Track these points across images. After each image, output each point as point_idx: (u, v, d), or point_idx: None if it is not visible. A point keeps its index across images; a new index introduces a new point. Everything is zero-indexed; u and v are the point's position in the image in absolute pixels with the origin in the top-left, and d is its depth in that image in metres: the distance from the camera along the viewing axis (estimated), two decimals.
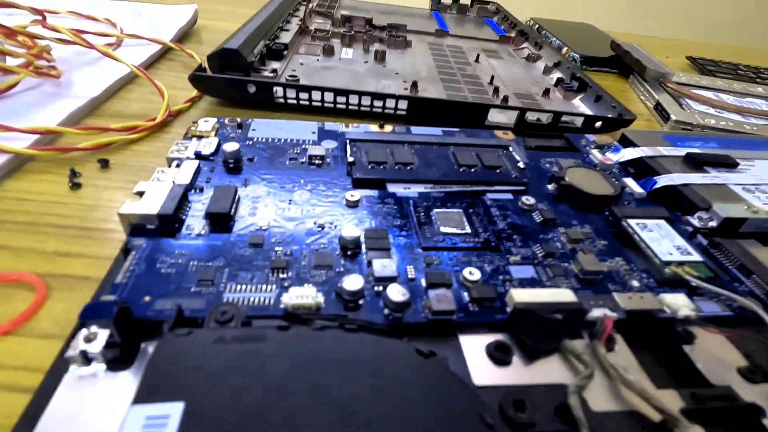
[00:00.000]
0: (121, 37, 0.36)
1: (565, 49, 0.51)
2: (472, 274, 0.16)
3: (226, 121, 0.24)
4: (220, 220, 0.17)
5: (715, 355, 0.15)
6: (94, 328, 0.13)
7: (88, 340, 0.12)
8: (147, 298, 0.14)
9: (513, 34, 0.52)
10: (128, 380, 0.12)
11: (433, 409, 0.11)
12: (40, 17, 0.32)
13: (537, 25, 0.60)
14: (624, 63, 0.47)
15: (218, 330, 0.12)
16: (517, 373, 0.14)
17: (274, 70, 0.33)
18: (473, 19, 0.62)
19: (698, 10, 1.30)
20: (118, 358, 0.12)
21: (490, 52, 0.47)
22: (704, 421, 0.13)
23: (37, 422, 0.11)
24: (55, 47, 0.31)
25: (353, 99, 0.30)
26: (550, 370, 0.14)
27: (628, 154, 0.26)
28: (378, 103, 0.30)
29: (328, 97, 0.30)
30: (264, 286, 0.15)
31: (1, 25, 0.27)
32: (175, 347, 0.12)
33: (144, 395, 0.10)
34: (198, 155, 0.21)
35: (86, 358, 0.12)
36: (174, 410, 0.10)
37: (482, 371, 0.13)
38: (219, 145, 0.22)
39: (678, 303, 0.16)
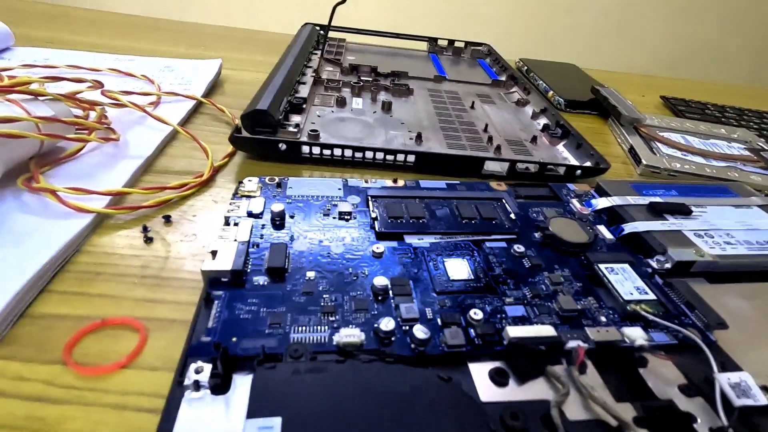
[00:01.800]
0: (160, 95, 0.41)
1: (551, 93, 0.57)
2: (477, 314, 0.20)
3: (267, 180, 0.29)
4: (277, 273, 0.22)
5: (662, 376, 0.19)
6: (199, 363, 0.17)
7: (197, 371, 0.17)
8: (234, 339, 0.18)
9: (504, 78, 0.58)
10: (226, 402, 0.17)
11: (452, 420, 0.16)
12: (99, 85, 0.36)
13: (526, 67, 0.66)
14: (603, 106, 0.53)
15: (294, 364, 0.17)
16: (512, 392, 0.18)
17: (297, 125, 0.38)
18: (467, 60, 0.68)
19: (675, 47, 1.38)
20: (219, 385, 0.17)
21: (484, 97, 0.52)
22: (651, 427, 0.17)
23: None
24: (108, 109, 0.36)
25: (368, 153, 0.35)
26: (537, 390, 0.18)
27: (601, 203, 0.31)
28: (390, 157, 0.35)
29: (347, 152, 0.34)
30: (318, 327, 0.19)
31: (67, 95, 0.32)
32: (266, 377, 0.16)
33: (253, 411, 0.15)
34: (250, 214, 0.26)
35: (197, 386, 0.17)
36: (275, 423, 0.14)
37: (486, 391, 0.18)
38: (265, 204, 0.26)
39: (635, 335, 0.21)
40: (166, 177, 0.31)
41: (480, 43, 0.71)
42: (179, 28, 0.68)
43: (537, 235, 0.27)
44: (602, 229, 0.28)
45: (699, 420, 0.18)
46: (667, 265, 0.26)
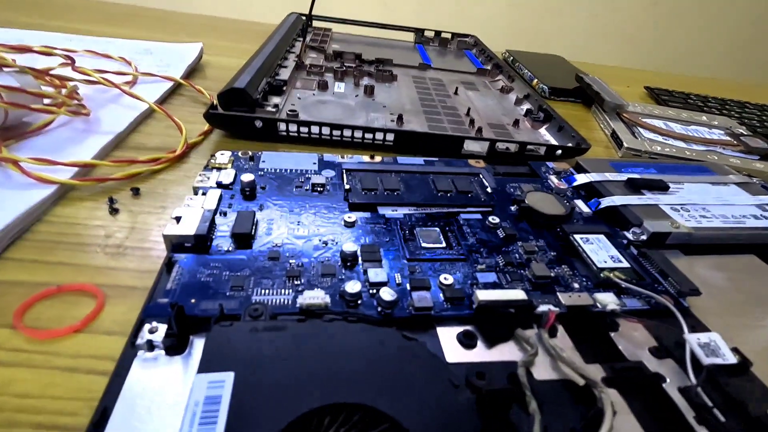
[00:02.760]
0: (136, 75, 0.40)
1: (535, 81, 0.57)
2: (447, 279, 0.20)
3: (240, 153, 0.29)
4: (243, 239, 0.21)
5: (633, 339, 0.19)
6: (154, 323, 0.16)
7: (151, 332, 0.16)
8: (193, 300, 0.17)
9: (489, 67, 0.58)
10: (182, 363, 0.16)
11: (414, 376, 0.15)
12: (70, 62, 0.36)
13: (511, 57, 0.66)
14: (587, 94, 0.53)
15: (252, 322, 0.16)
16: (480, 354, 0.18)
17: (276, 105, 0.37)
18: (453, 51, 0.68)
19: (660, 42, 1.39)
20: (174, 345, 0.16)
21: (468, 84, 0.52)
22: (619, 387, 0.17)
23: (118, 395, 0.15)
24: (81, 86, 0.35)
25: (347, 132, 0.34)
26: (505, 352, 0.18)
27: (580, 179, 0.30)
28: (368, 135, 0.34)
29: (325, 130, 0.34)
30: (282, 290, 0.19)
31: (35, 69, 0.31)
32: (222, 334, 0.15)
33: (205, 367, 0.14)
34: (219, 184, 0.25)
35: (151, 346, 0.16)
36: (227, 377, 0.14)
37: (454, 353, 0.18)
38: (236, 176, 0.26)
39: (607, 300, 0.20)
40: (140, 153, 0.30)
41: (467, 35, 0.71)
42: (162, 16, 0.67)
43: (513, 208, 0.27)
44: (580, 203, 0.28)
45: (668, 380, 0.17)
46: (643, 237, 0.25)
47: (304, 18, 0.64)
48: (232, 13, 0.77)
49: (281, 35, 0.52)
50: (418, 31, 0.70)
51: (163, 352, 0.16)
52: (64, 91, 0.33)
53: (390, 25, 0.68)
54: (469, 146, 0.35)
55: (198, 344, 0.17)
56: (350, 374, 0.15)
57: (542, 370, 0.17)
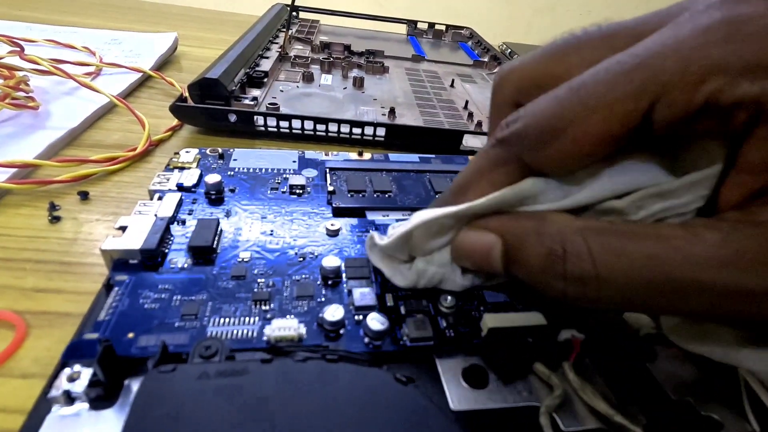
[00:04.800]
0: (100, 66, 0.36)
1: None
2: (447, 300, 0.17)
3: (208, 151, 0.25)
4: (202, 253, 0.17)
5: (676, 371, 0.16)
6: (77, 367, 0.13)
7: (72, 379, 0.13)
8: (131, 335, 0.14)
9: (486, 59, 0.55)
10: (112, 418, 0.12)
11: None
12: (18, 49, 0.32)
13: (509, 50, 0.63)
14: None
15: (202, 365, 0.13)
16: (493, 396, 0.14)
17: (255, 98, 0.34)
18: (448, 43, 0.64)
19: None
20: (101, 396, 0.13)
21: (465, 77, 0.49)
22: None
23: None
24: (33, 78, 0.31)
25: (332, 126, 0.31)
26: (525, 392, 0.15)
27: None
28: (357, 130, 0.31)
29: (308, 124, 0.30)
30: (247, 319, 0.15)
31: None
32: (159, 384, 0.12)
33: (131, 430, 0.11)
34: (180, 187, 0.21)
35: (69, 398, 0.12)
36: None
37: (460, 395, 0.14)
38: (201, 177, 0.22)
39: (641, 321, 0.17)
40: (97, 152, 0.26)
41: (461, 27, 0.67)
42: (138, 6, 0.63)
43: None
44: None
45: (725, 425, 0.14)
46: None
47: (288, 8, 0.60)
48: (213, 4, 0.73)
49: (263, 25, 0.48)
50: (411, 23, 0.66)
51: (86, 405, 0.12)
52: (11, 82, 0.29)
53: (381, 17, 0.64)
54: (469, 141, 0.32)
55: (135, 389, 0.13)
56: None
57: (570, 417, 0.14)
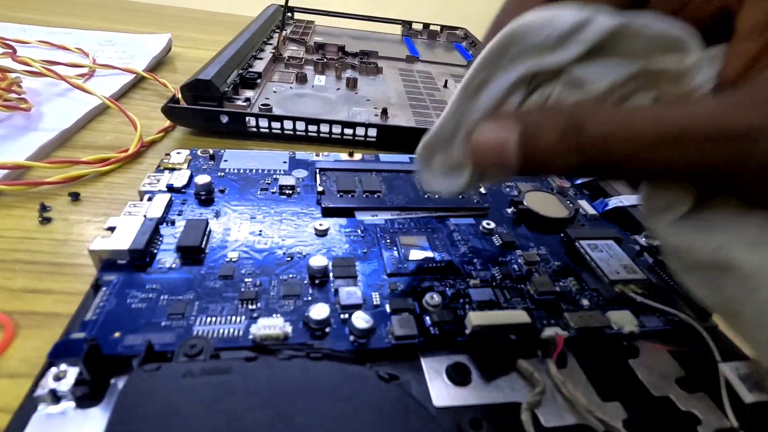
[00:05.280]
0: (93, 68, 0.36)
1: None
2: (434, 298, 0.17)
3: (199, 152, 0.25)
4: (191, 253, 0.18)
5: (657, 368, 0.16)
6: (63, 366, 0.13)
7: (58, 378, 0.13)
8: (117, 334, 0.14)
9: None
10: (98, 417, 0.13)
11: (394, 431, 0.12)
12: (10, 50, 0.32)
13: None
14: None
15: (187, 364, 0.13)
16: (475, 393, 0.14)
17: (248, 99, 0.34)
18: (443, 44, 0.64)
19: None
20: (87, 395, 0.13)
21: (459, 77, 0.49)
22: (645, 431, 0.14)
23: None
24: (26, 79, 0.31)
25: (324, 127, 0.31)
26: (507, 389, 0.15)
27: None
28: (348, 131, 0.31)
29: (300, 125, 0.31)
30: (233, 318, 0.15)
31: None
32: (143, 383, 0.12)
33: (115, 429, 0.11)
34: (170, 188, 0.21)
35: (55, 397, 0.13)
36: None
37: (442, 392, 0.14)
38: (191, 178, 0.22)
39: (623, 320, 0.17)
40: (88, 153, 0.27)
41: (456, 27, 0.68)
42: (131, 7, 0.63)
43: (510, 210, 0.24)
44: (584, 204, 0.25)
45: (702, 419, 0.14)
46: (657, 242, 0.22)
47: (282, 9, 0.60)
48: (207, 4, 0.73)
49: (257, 26, 0.48)
50: (406, 24, 0.67)
51: (72, 403, 0.13)
52: (3, 83, 0.29)
53: (376, 18, 0.64)
54: None
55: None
56: None
57: (551, 413, 0.14)
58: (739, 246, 0.11)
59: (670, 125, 0.10)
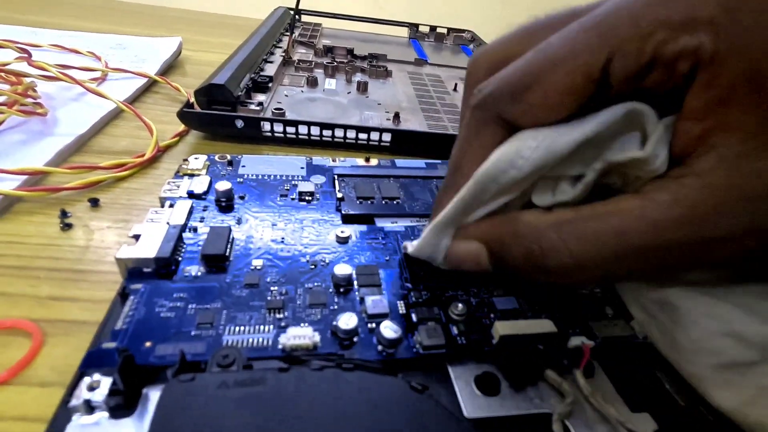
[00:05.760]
0: (106, 71, 0.36)
1: None
2: (459, 307, 0.17)
3: (216, 157, 0.25)
4: (215, 261, 0.18)
5: (683, 377, 0.16)
6: (96, 376, 0.13)
7: (91, 388, 0.13)
8: (148, 344, 0.14)
9: None
10: (131, 427, 0.13)
11: None
12: (25, 54, 0.32)
13: None
14: None
15: (221, 374, 0.13)
16: (505, 403, 0.14)
17: (260, 103, 0.34)
18: (450, 46, 0.64)
19: None
20: (121, 405, 0.13)
21: None
22: None
23: None
24: (40, 83, 0.31)
25: (339, 132, 0.31)
26: (536, 399, 0.15)
27: None
28: (363, 136, 0.31)
29: (315, 130, 0.31)
30: (262, 327, 0.15)
31: None
32: (180, 394, 0.12)
33: None
34: (190, 194, 0.21)
35: (90, 407, 0.13)
36: None
37: (473, 402, 0.14)
38: (211, 184, 0.22)
39: None
40: (105, 158, 0.27)
41: (463, 30, 0.68)
42: (139, 10, 0.63)
43: None
44: None
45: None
46: None
47: (291, 12, 0.60)
48: (215, 7, 0.73)
49: (267, 29, 0.48)
50: (413, 27, 0.67)
51: (106, 414, 0.13)
52: (19, 88, 0.29)
53: (383, 20, 0.65)
54: None
55: (154, 398, 0.13)
56: None
57: (582, 424, 0.14)
58: (682, 292, 0.13)
59: (637, 242, 0.11)
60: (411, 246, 0.17)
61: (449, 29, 0.67)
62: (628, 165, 0.12)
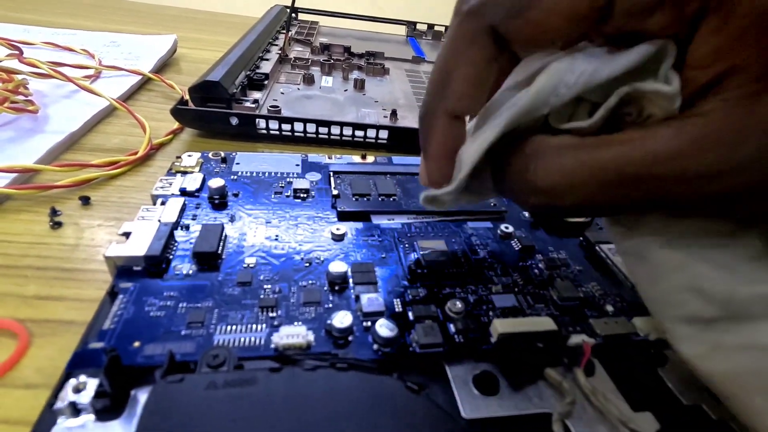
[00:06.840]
0: (99, 69, 0.36)
1: None
2: (456, 305, 0.16)
3: (210, 155, 0.25)
4: (207, 259, 0.17)
5: (687, 376, 0.16)
6: (82, 378, 0.13)
7: (77, 390, 0.12)
8: (136, 344, 0.14)
9: None
10: (118, 430, 0.12)
11: None
12: (17, 51, 0.31)
13: None
14: None
15: (210, 375, 0.12)
16: (504, 404, 0.14)
17: (256, 101, 0.34)
18: None
19: None
20: (108, 407, 0.12)
21: None
22: None
23: None
24: (32, 81, 0.31)
25: (335, 129, 0.30)
26: (535, 398, 0.14)
27: None
28: (359, 133, 0.31)
29: (311, 127, 0.30)
30: (254, 326, 0.15)
31: None
32: (167, 395, 0.12)
33: None
34: (183, 192, 0.21)
35: (75, 409, 0.12)
36: None
37: (471, 402, 0.14)
38: (204, 181, 0.22)
39: (649, 326, 0.17)
40: (97, 156, 0.26)
41: None
42: (134, 7, 0.62)
43: (527, 213, 0.23)
44: None
45: (736, 428, 0.14)
46: None
47: (288, 10, 0.60)
48: (210, 5, 0.72)
49: (263, 27, 0.48)
50: (410, 24, 0.66)
51: (92, 416, 0.12)
52: (10, 85, 0.29)
53: (380, 18, 0.64)
54: None
55: (143, 400, 0.13)
56: None
57: (582, 424, 0.14)
58: (655, 244, 0.13)
59: (633, 170, 0.11)
60: (448, 186, 0.15)
61: (446, 27, 0.67)
62: (650, 98, 0.12)
